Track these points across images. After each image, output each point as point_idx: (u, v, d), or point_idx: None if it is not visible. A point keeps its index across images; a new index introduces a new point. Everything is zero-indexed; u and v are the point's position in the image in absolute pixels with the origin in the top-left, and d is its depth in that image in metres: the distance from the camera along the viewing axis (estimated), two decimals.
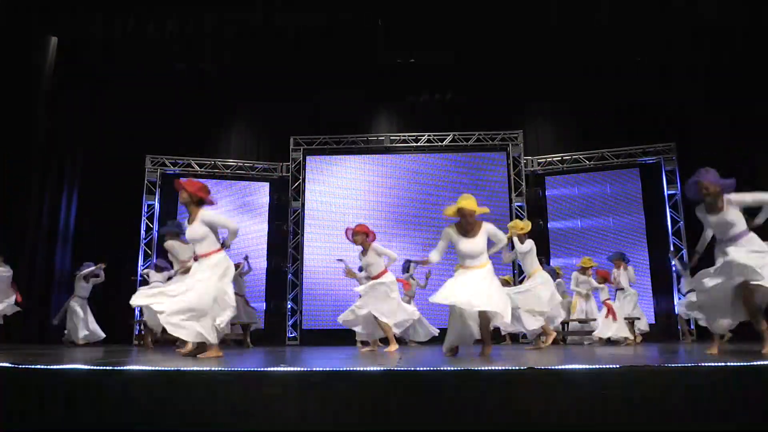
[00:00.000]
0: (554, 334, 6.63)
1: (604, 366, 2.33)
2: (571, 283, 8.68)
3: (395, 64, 10.63)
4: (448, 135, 10.96)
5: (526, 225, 6.40)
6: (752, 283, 3.83)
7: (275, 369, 2.41)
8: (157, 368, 2.49)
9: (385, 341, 6.31)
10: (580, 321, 8.65)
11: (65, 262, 9.69)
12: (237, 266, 9.14)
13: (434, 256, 4.74)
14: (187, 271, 4.85)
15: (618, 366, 2.33)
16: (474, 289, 4.46)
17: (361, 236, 6.10)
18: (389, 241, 7.09)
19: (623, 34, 9.42)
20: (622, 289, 8.17)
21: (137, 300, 4.39)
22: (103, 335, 8.43)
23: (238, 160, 11.11)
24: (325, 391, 2.29)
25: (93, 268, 8.28)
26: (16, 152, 8.57)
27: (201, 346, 4.43)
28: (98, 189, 9.96)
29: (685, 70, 9.60)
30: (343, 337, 8.64)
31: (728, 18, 8.53)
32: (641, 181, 10.47)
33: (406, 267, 8.99)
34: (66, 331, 8.26)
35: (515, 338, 9.28)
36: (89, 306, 8.42)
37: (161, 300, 4.20)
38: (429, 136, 11.07)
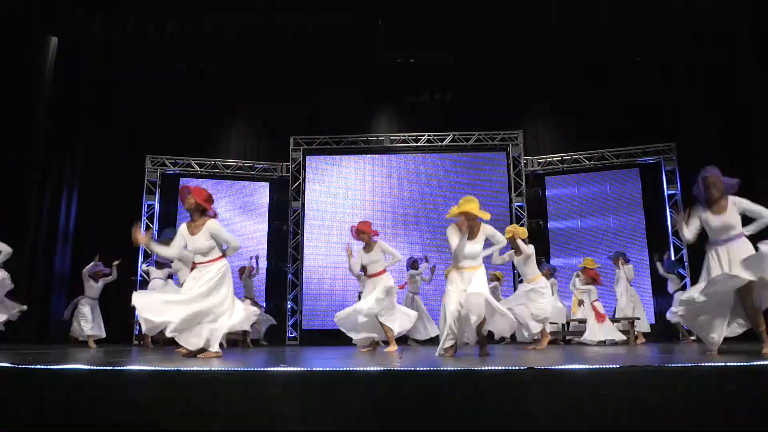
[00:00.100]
0: (549, 336, 6.65)
1: (604, 366, 2.33)
2: (570, 284, 8.70)
3: (395, 64, 10.64)
4: (448, 135, 10.96)
5: (524, 231, 6.44)
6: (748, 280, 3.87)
7: (275, 369, 2.41)
8: (157, 368, 2.49)
9: (385, 341, 6.33)
10: (581, 321, 8.65)
11: (65, 262, 9.70)
12: (243, 269, 9.23)
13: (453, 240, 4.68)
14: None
15: (618, 366, 2.33)
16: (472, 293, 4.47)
17: (367, 234, 6.14)
18: (389, 241, 7.08)
19: (623, 35, 9.43)
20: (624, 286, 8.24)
21: (146, 314, 4.34)
22: (104, 335, 8.43)
23: (238, 160, 11.11)
24: (325, 391, 2.29)
25: (91, 264, 8.24)
26: (16, 152, 8.57)
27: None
28: (98, 189, 9.96)
29: (685, 70, 9.60)
30: (343, 337, 8.64)
31: (728, 18, 8.53)
32: (641, 181, 10.46)
33: (411, 263, 9.00)
34: (72, 328, 8.21)
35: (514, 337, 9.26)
36: (99, 306, 8.39)
37: (168, 317, 4.22)
38: (429, 136, 11.07)
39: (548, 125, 11.32)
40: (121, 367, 2.50)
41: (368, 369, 2.38)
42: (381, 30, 9.41)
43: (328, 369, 2.38)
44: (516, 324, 5.19)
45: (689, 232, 4.35)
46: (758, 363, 2.28)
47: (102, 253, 8.40)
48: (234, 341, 8.27)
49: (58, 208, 9.65)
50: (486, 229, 4.77)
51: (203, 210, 4.53)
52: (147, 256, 10.18)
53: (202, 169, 10.87)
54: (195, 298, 4.29)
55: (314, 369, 2.38)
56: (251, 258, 9.38)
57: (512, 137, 10.87)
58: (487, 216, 4.66)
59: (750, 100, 8.61)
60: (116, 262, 8.42)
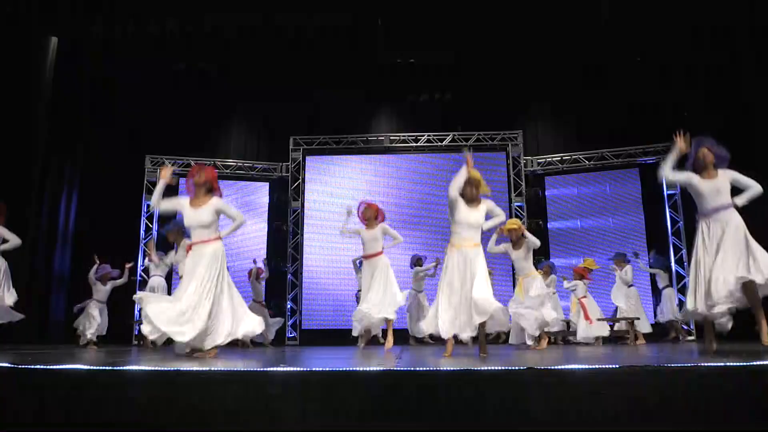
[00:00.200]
0: (547, 337, 6.66)
1: (603, 366, 2.33)
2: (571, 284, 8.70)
3: (395, 64, 10.63)
4: (448, 135, 10.96)
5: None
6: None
7: (275, 369, 2.41)
8: (157, 368, 2.49)
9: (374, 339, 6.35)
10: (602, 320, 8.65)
11: (65, 262, 9.69)
12: (251, 272, 9.24)
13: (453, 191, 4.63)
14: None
15: (618, 366, 2.33)
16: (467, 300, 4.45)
17: (372, 211, 6.14)
18: (389, 240, 7.07)
19: (623, 35, 9.42)
20: (629, 286, 8.28)
21: (159, 325, 4.32)
22: (104, 333, 8.43)
23: (238, 160, 11.11)
24: (324, 391, 2.29)
25: (94, 267, 8.23)
26: (16, 152, 8.56)
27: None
28: (98, 189, 9.96)
29: (685, 70, 9.60)
30: (343, 337, 8.65)
31: (728, 18, 8.53)
32: (641, 181, 10.47)
33: (415, 261, 9.01)
34: (80, 328, 8.17)
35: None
36: (107, 308, 8.37)
37: (181, 328, 4.21)
38: (429, 136, 11.07)
39: (548, 125, 11.33)
40: (121, 367, 2.50)
41: (368, 369, 2.38)
42: (381, 30, 9.40)
43: (327, 369, 2.38)
44: (507, 319, 5.12)
45: (671, 173, 4.41)
46: (758, 363, 2.28)
47: (100, 254, 8.40)
48: (234, 341, 8.26)
49: (58, 208, 9.65)
50: (487, 203, 4.76)
51: (211, 189, 4.54)
52: (147, 253, 10.18)
53: None
54: (201, 296, 4.27)
55: (314, 369, 2.38)
56: (255, 261, 9.39)
57: (512, 137, 10.87)
58: (487, 190, 4.70)
59: (750, 100, 8.61)
60: (129, 265, 8.43)
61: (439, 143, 11.02)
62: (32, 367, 2.52)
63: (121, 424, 2.29)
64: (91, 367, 2.54)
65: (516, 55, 10.05)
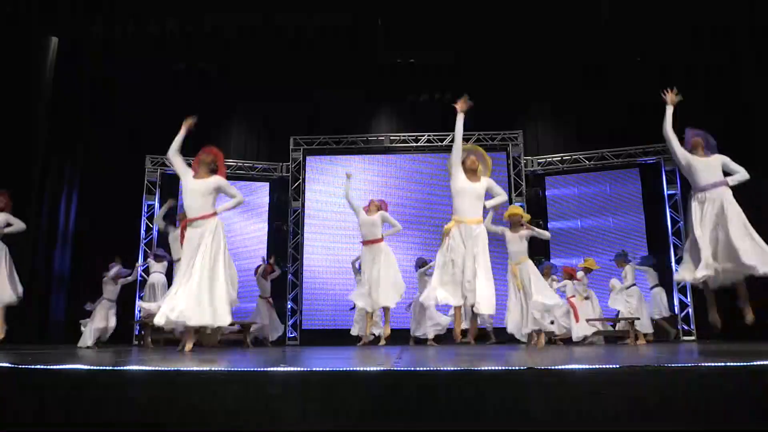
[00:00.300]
0: (543, 335, 6.67)
1: (604, 366, 2.33)
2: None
3: (395, 64, 10.63)
4: (448, 135, 10.96)
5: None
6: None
7: (275, 369, 2.40)
8: (157, 368, 2.49)
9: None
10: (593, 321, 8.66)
11: (65, 262, 9.69)
12: (257, 270, 9.30)
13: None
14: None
15: (618, 366, 2.33)
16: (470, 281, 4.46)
17: (377, 203, 6.23)
18: (389, 241, 7.08)
19: (623, 34, 9.42)
20: (629, 286, 8.27)
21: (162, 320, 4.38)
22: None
23: (238, 160, 11.11)
24: (324, 391, 2.29)
25: (116, 268, 8.28)
26: (16, 152, 8.56)
27: (203, 336, 4.52)
28: (98, 189, 9.96)
29: (685, 70, 9.59)
30: (343, 337, 8.66)
31: (728, 18, 8.53)
32: (641, 181, 10.47)
33: (420, 264, 9.00)
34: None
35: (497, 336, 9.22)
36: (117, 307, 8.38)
37: (190, 312, 4.26)
38: (429, 136, 11.07)
39: (548, 125, 11.33)
40: (121, 367, 2.50)
41: (368, 369, 2.38)
42: (381, 30, 9.40)
43: (327, 369, 2.38)
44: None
45: (672, 132, 4.64)
46: (758, 363, 2.28)
47: (100, 254, 8.41)
48: (236, 341, 8.28)
49: (58, 208, 9.65)
50: (488, 180, 4.76)
51: (215, 169, 4.75)
52: (146, 256, 10.20)
53: None
54: (196, 271, 4.33)
55: (314, 369, 2.38)
56: (263, 259, 9.48)
57: (512, 137, 10.87)
58: (489, 165, 4.76)
59: (750, 100, 8.61)
60: (138, 264, 8.48)
61: (439, 143, 11.02)
62: (32, 367, 2.52)
63: (121, 424, 2.29)
64: (91, 367, 2.54)
65: (516, 55, 10.05)
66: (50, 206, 9.49)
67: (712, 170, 4.40)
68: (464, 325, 4.70)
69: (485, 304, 4.36)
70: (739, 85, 8.85)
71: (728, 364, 2.29)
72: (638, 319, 8.05)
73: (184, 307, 4.25)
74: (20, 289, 6.31)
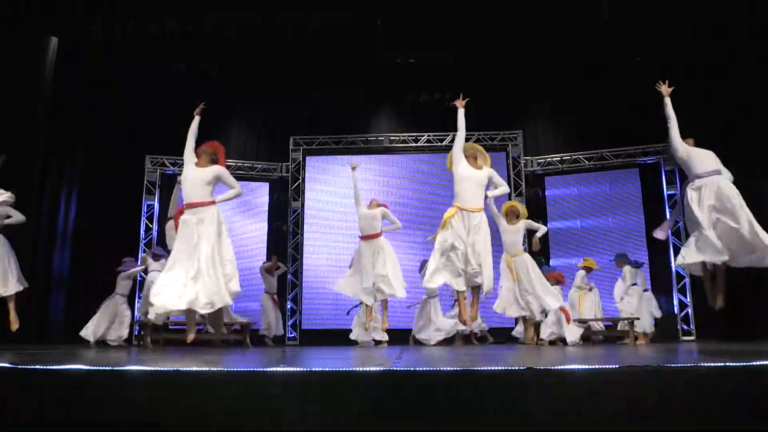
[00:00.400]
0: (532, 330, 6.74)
1: (603, 366, 2.33)
2: (575, 283, 8.74)
3: (395, 64, 10.63)
4: (448, 135, 10.95)
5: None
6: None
7: (275, 369, 2.41)
8: (156, 368, 2.49)
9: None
10: (581, 321, 8.64)
11: (64, 262, 9.69)
12: (263, 267, 9.39)
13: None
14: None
15: (617, 366, 2.33)
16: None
17: (378, 201, 6.27)
18: (389, 240, 7.08)
19: (623, 34, 9.42)
20: (632, 285, 8.30)
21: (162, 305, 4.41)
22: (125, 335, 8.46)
23: (238, 160, 11.10)
24: (324, 391, 2.29)
25: (139, 268, 8.33)
26: (15, 152, 8.55)
27: (210, 317, 4.62)
28: (98, 189, 9.95)
29: (685, 70, 9.59)
30: (343, 337, 8.65)
31: (728, 18, 8.53)
32: (641, 181, 10.47)
33: (424, 265, 8.99)
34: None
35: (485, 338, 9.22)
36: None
37: (192, 297, 4.29)
38: (429, 136, 11.07)
39: (548, 125, 11.33)
40: (121, 367, 2.50)
41: (368, 369, 2.38)
42: (381, 30, 9.40)
43: (327, 369, 2.38)
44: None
45: (674, 115, 4.77)
46: (758, 363, 2.28)
47: (100, 254, 8.41)
48: (235, 341, 8.28)
49: (58, 208, 9.64)
50: (489, 170, 4.81)
51: (215, 160, 4.93)
52: (144, 261, 10.20)
53: None
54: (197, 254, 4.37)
55: (314, 369, 2.38)
56: (270, 257, 9.57)
57: (512, 137, 10.87)
58: (487, 157, 4.81)
59: (750, 100, 8.61)
60: (143, 255, 8.52)
61: (439, 143, 11.02)
62: (32, 367, 2.52)
63: (121, 424, 2.29)
64: (91, 367, 2.54)
65: (516, 55, 10.05)
66: (50, 206, 9.48)
67: (711, 158, 4.51)
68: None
69: (488, 283, 4.48)
70: (739, 85, 8.86)
71: (728, 364, 2.29)
72: (638, 319, 8.05)
73: (195, 296, 4.30)
74: (23, 281, 6.29)
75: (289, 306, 10.55)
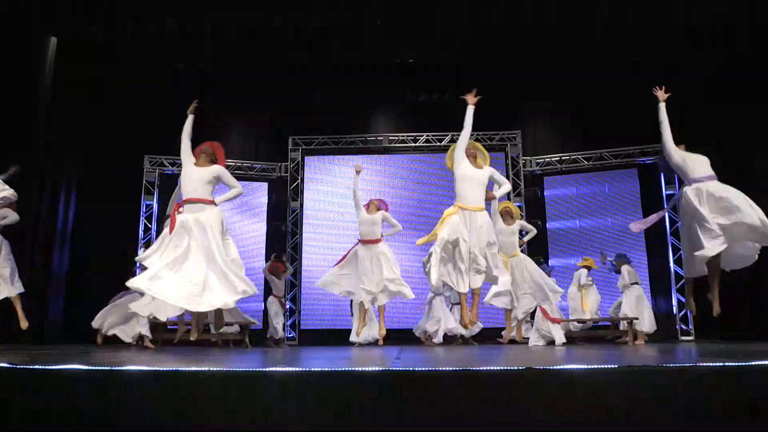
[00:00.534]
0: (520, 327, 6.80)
1: (603, 366, 2.34)
2: (577, 281, 8.76)
3: (395, 64, 10.63)
4: (447, 135, 10.96)
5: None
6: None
7: (274, 369, 2.40)
8: (156, 368, 2.49)
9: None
10: (580, 321, 8.66)
11: (63, 262, 9.68)
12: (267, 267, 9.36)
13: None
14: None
15: (617, 366, 2.33)
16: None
17: (377, 203, 6.21)
18: (388, 241, 7.07)
19: (622, 34, 9.42)
20: (630, 286, 8.29)
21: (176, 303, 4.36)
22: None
23: (237, 160, 11.10)
24: (323, 391, 2.29)
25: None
26: (15, 152, 8.54)
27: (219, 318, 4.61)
28: (97, 189, 9.94)
29: (685, 70, 9.60)
30: (342, 337, 8.65)
31: (728, 18, 8.53)
32: (639, 181, 10.48)
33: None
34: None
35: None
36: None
37: (202, 299, 4.26)
38: (428, 136, 11.07)
39: (547, 125, 11.33)
40: (121, 367, 2.50)
41: (367, 369, 2.38)
42: (381, 30, 9.40)
43: (326, 369, 2.38)
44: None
45: (666, 118, 4.81)
46: (758, 363, 2.29)
47: (100, 254, 8.39)
48: (236, 341, 8.28)
49: (57, 208, 9.63)
50: (490, 169, 4.80)
51: (214, 160, 4.86)
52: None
53: None
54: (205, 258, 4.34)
55: (313, 369, 2.38)
56: (274, 256, 9.54)
57: (511, 137, 10.87)
58: (487, 156, 4.79)
59: (750, 100, 8.61)
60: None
61: (438, 143, 11.02)
62: (31, 367, 2.52)
63: (121, 424, 2.29)
64: (91, 367, 2.54)
65: (515, 55, 10.05)
66: (49, 206, 9.47)
67: (705, 163, 4.55)
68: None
69: (494, 276, 4.49)
70: (738, 85, 8.85)
71: (727, 364, 2.29)
72: (637, 319, 8.05)
73: (211, 299, 4.27)
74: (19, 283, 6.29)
75: (288, 306, 10.54)
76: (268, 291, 10.56)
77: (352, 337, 7.89)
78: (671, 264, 9.84)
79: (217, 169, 4.77)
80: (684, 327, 9.57)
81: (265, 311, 9.59)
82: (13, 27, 8.50)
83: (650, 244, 10.12)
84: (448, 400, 2.23)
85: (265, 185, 11.23)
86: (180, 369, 2.47)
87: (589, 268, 8.85)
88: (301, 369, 2.39)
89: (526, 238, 7.13)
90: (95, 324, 7.95)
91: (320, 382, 2.32)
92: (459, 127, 11.63)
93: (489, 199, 6.26)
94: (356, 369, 2.39)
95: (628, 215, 10.34)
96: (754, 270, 4.77)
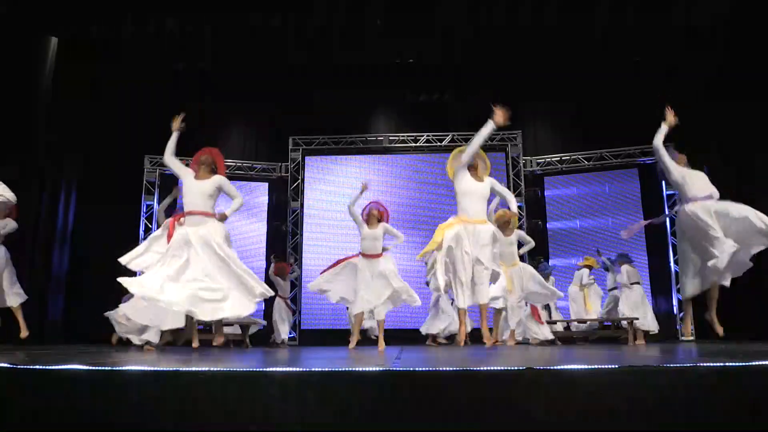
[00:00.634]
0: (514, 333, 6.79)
1: (603, 366, 2.33)
2: (578, 281, 8.76)
3: (395, 64, 10.63)
4: (447, 135, 10.96)
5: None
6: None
7: (275, 369, 2.40)
8: (156, 368, 2.49)
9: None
10: (580, 321, 8.67)
11: (63, 262, 9.68)
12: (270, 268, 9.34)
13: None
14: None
15: (617, 366, 2.33)
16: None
17: (377, 215, 6.06)
18: (387, 241, 7.06)
19: (622, 34, 9.42)
20: (630, 286, 8.29)
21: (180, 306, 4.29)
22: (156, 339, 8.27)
23: (237, 160, 11.11)
24: (323, 391, 2.29)
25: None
26: (15, 152, 8.55)
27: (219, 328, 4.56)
28: (97, 189, 9.94)
29: (685, 70, 9.60)
30: (342, 337, 8.64)
31: (728, 18, 8.53)
32: (640, 181, 10.48)
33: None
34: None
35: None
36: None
37: (208, 307, 4.21)
38: (428, 136, 11.07)
39: (547, 125, 11.34)
40: (121, 367, 2.50)
41: (367, 369, 2.38)
42: (380, 30, 9.40)
43: (326, 369, 2.38)
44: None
45: (662, 145, 4.77)
46: (758, 363, 2.28)
47: (99, 254, 8.36)
48: (236, 341, 8.28)
49: (57, 208, 9.63)
50: (490, 179, 4.72)
51: (214, 170, 4.71)
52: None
53: None
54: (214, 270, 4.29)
55: (313, 369, 2.38)
56: (276, 256, 9.55)
57: (511, 137, 10.87)
58: (488, 165, 4.75)
59: (750, 100, 8.61)
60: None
61: (439, 143, 11.03)
62: (31, 367, 2.52)
63: (121, 424, 2.29)
64: (91, 367, 2.54)
65: (515, 55, 10.05)
66: (49, 206, 9.47)
67: (704, 180, 4.50)
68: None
69: (485, 297, 4.43)
70: (738, 85, 8.85)
71: (727, 364, 2.29)
72: (637, 319, 8.05)
73: (232, 306, 4.24)
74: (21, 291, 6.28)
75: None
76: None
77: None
78: (671, 264, 9.84)
79: (218, 180, 4.61)
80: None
81: (269, 312, 9.56)
82: (13, 27, 8.50)
83: (650, 244, 10.13)
84: (448, 400, 2.23)
85: (265, 185, 11.24)
86: (180, 369, 2.47)
87: (590, 267, 8.86)
88: (301, 369, 2.39)
89: (522, 251, 7.07)
90: (119, 330, 7.77)
91: (320, 382, 2.32)
92: (459, 127, 11.72)
93: (509, 218, 6.24)
94: (356, 369, 2.39)
95: (629, 215, 10.35)
96: (754, 270, 4.76)
